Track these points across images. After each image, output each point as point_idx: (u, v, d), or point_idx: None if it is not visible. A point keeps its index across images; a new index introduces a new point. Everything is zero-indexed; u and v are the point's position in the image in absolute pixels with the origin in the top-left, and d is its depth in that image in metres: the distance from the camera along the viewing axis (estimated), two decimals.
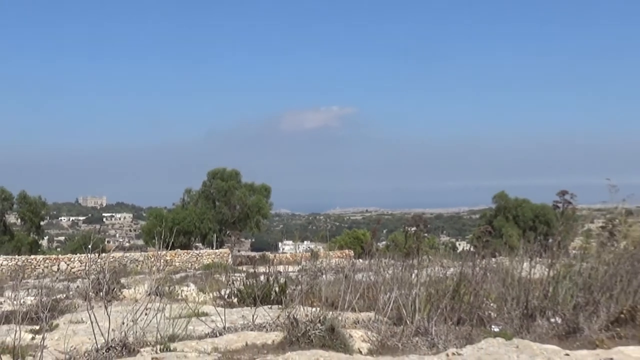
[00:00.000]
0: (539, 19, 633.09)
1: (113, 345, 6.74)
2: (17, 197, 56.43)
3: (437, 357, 6.12)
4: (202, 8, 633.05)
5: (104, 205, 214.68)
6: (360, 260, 14.41)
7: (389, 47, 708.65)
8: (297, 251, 28.34)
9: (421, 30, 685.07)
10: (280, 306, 9.65)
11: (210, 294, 13.57)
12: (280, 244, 75.31)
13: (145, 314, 7.31)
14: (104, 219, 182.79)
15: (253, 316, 8.90)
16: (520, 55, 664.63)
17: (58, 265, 37.53)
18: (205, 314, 9.95)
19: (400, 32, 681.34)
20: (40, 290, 13.96)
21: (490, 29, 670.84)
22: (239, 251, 54.77)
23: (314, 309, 7.68)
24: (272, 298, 11.13)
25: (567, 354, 6.06)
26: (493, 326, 8.16)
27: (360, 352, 6.89)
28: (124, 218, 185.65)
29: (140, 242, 79.54)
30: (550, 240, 9.75)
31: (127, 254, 39.60)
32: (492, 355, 5.96)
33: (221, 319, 8.71)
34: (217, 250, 47.31)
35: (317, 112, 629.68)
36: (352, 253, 41.37)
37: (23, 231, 57.58)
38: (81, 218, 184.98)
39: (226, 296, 12.09)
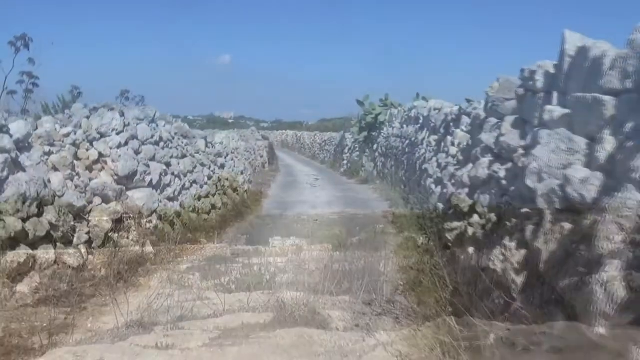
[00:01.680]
0: None
1: (131, 325, 6.73)
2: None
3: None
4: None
5: None
6: (338, 253, 14.41)
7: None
8: (285, 245, 28.26)
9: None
10: (270, 291, 9.66)
11: (212, 282, 13.53)
12: (270, 239, 74.97)
13: (158, 299, 7.31)
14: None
15: (248, 300, 8.90)
16: None
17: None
18: (208, 299, 9.93)
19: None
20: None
21: None
22: (236, 245, 54.52)
23: (298, 294, 7.71)
24: (263, 284, 11.12)
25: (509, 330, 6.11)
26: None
27: (337, 329, 6.92)
28: None
29: (154, 237, 78.84)
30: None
31: (144, 248, 39.29)
32: None
33: (221, 302, 8.71)
34: (218, 245, 47.07)
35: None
36: (330, 247, 41.27)
37: None
38: (104, 218, 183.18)
39: (225, 283, 12.07)
